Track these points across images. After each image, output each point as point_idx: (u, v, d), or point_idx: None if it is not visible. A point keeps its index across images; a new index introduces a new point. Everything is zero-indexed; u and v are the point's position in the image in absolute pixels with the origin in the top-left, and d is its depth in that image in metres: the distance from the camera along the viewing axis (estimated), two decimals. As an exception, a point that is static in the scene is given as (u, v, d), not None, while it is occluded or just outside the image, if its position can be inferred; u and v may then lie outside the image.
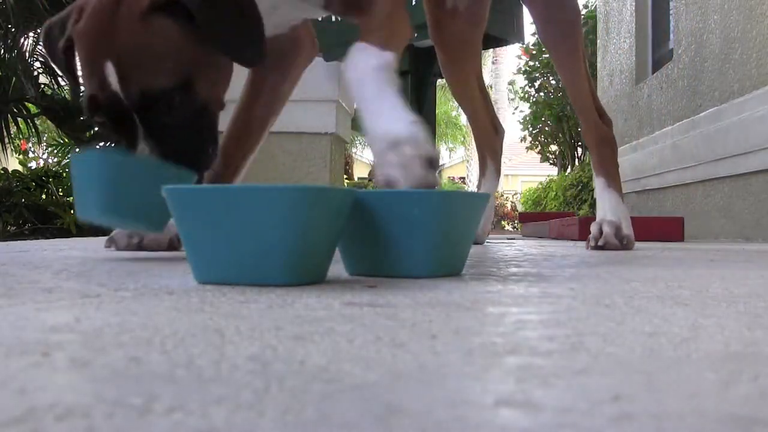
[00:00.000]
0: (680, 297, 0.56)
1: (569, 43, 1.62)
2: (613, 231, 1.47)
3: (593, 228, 1.50)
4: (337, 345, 0.34)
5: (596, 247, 1.45)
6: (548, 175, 9.43)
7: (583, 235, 2.08)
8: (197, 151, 0.99)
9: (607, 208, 1.53)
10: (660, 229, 2.29)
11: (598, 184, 1.59)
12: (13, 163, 6.21)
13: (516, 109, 10.21)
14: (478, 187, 1.90)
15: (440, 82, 2.98)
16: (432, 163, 0.82)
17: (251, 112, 1.43)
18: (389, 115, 0.90)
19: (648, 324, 0.42)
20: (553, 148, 8.64)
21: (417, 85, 2.72)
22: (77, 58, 1.00)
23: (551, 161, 8.99)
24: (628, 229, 1.49)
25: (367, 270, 0.73)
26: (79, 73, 1.02)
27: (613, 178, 1.57)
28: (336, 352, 0.32)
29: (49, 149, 6.47)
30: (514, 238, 3.12)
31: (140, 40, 0.93)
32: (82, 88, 1.02)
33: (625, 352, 0.33)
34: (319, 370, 0.29)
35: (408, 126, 0.86)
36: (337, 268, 0.82)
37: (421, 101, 2.73)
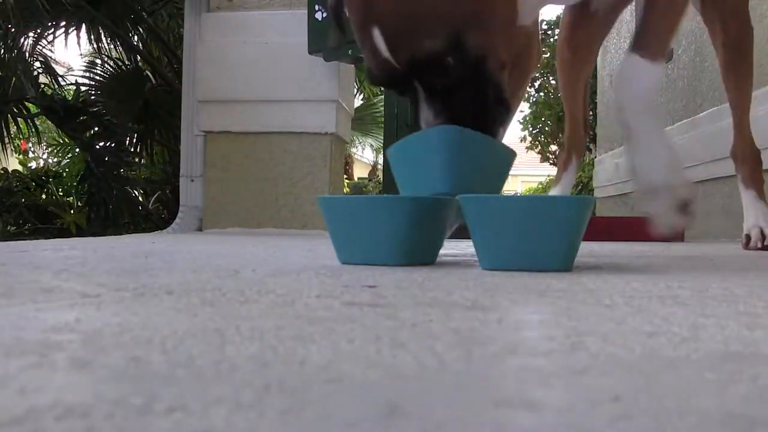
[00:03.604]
0: (680, 297, 0.56)
1: (745, 65, 1.68)
2: None
3: (754, 231, 1.63)
4: (337, 345, 0.34)
5: (763, 248, 1.57)
6: (548, 175, 9.42)
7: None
8: (484, 111, 0.94)
9: (761, 215, 1.64)
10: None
11: (749, 195, 1.69)
12: (13, 163, 6.21)
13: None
14: (557, 180, 1.97)
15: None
16: (686, 207, 0.94)
17: None
18: (650, 154, 0.98)
19: (648, 324, 0.42)
20: (553, 148, 8.64)
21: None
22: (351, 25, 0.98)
23: (551, 161, 8.98)
24: None
25: (501, 265, 0.82)
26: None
27: (761, 191, 1.69)
28: (336, 352, 0.32)
29: (49, 149, 6.46)
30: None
31: (400, 3, 0.90)
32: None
33: (625, 352, 0.33)
34: (319, 370, 0.29)
35: (665, 175, 0.95)
36: (338, 268, 0.82)
37: (421, 101, 2.72)
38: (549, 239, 0.81)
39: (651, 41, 1.06)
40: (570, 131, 2.01)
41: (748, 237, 1.61)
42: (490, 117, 0.94)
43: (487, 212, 0.83)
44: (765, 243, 1.57)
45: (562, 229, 0.82)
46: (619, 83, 1.04)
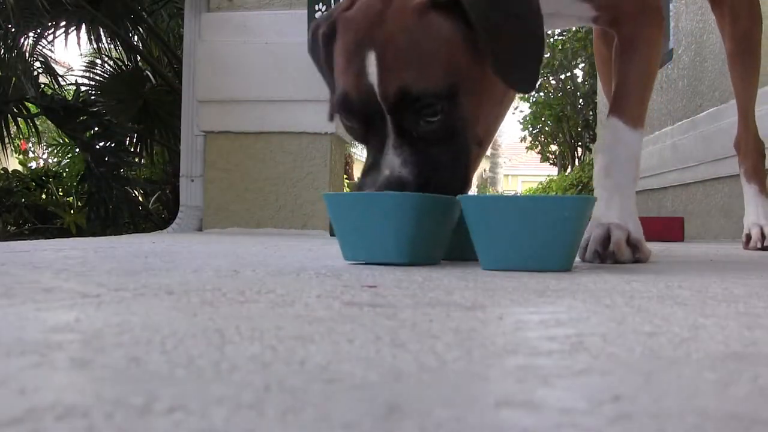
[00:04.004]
0: (680, 297, 0.56)
1: (752, 57, 1.67)
2: None
3: (754, 230, 1.61)
4: (337, 345, 0.34)
5: (763, 248, 1.55)
6: (548, 175, 9.43)
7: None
8: (451, 176, 0.88)
9: (761, 212, 1.63)
10: (660, 229, 2.29)
11: (751, 190, 1.68)
12: (13, 163, 6.21)
13: (516, 109, 10.21)
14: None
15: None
16: (636, 246, 0.96)
17: None
18: (615, 208, 0.99)
19: (648, 324, 0.42)
20: (553, 148, 8.64)
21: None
22: (337, 48, 0.92)
23: (551, 161, 8.99)
24: None
25: (502, 265, 0.82)
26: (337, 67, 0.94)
27: (764, 186, 1.67)
28: (336, 352, 0.32)
29: (49, 149, 6.47)
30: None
31: (411, 33, 0.85)
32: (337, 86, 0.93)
33: (625, 352, 0.33)
34: (319, 370, 0.28)
35: (621, 219, 0.97)
36: (338, 268, 0.82)
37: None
38: (549, 239, 0.81)
39: (632, 108, 1.05)
40: None
41: (749, 236, 1.61)
42: (453, 184, 0.89)
43: (488, 212, 0.83)
44: (765, 243, 1.57)
45: (562, 228, 0.81)
46: (603, 146, 1.05)
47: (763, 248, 1.56)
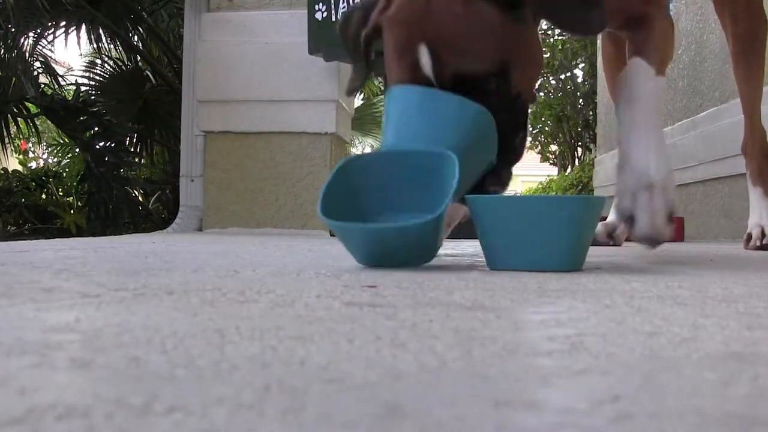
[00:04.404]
0: (680, 297, 0.56)
1: (756, 57, 1.66)
2: None
3: (755, 230, 1.60)
4: (337, 345, 0.34)
5: (760, 247, 1.54)
6: (548, 175, 9.42)
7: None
8: (509, 144, 0.94)
9: (764, 214, 1.62)
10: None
11: (756, 192, 1.67)
12: (13, 163, 6.21)
13: (516, 109, 10.18)
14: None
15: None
16: (670, 218, 0.93)
17: None
18: (649, 152, 0.97)
19: (648, 324, 0.42)
20: (553, 148, 8.64)
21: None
22: (385, 46, 0.97)
23: (551, 161, 8.98)
24: None
25: (509, 266, 0.82)
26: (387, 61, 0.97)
27: None
28: (336, 352, 0.32)
29: (49, 149, 6.47)
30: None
31: (459, 20, 0.90)
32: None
33: (625, 352, 0.33)
34: (319, 370, 0.28)
35: (665, 174, 0.95)
36: (338, 268, 0.82)
37: (421, 101, 2.72)
38: (557, 239, 0.81)
39: (653, 53, 1.06)
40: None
41: (750, 235, 1.60)
42: (513, 151, 0.94)
43: (495, 213, 0.83)
44: (764, 241, 1.56)
45: (570, 229, 0.81)
46: (623, 80, 1.04)
47: (762, 247, 1.55)
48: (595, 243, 1.82)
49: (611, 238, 1.84)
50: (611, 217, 1.90)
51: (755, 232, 1.59)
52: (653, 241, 0.92)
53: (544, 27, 8.07)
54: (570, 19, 0.94)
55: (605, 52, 1.92)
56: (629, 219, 0.94)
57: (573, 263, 0.83)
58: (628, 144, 0.98)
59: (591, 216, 0.84)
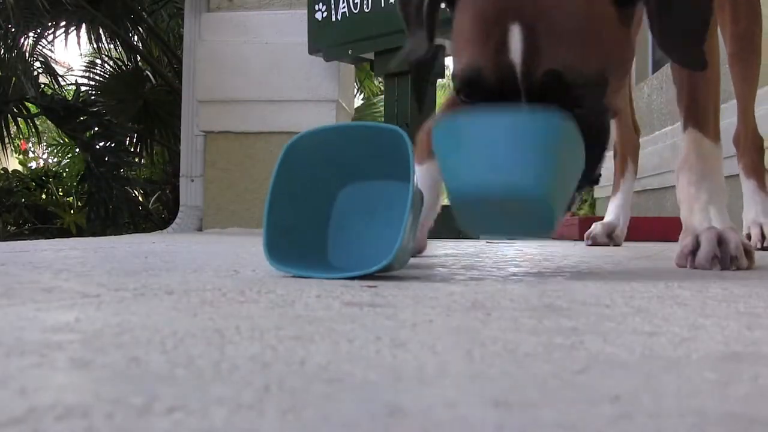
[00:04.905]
0: (680, 297, 0.56)
1: (753, 56, 1.65)
2: None
3: (754, 230, 1.59)
4: (337, 345, 0.34)
5: (762, 248, 1.53)
6: (548, 175, 9.41)
7: (583, 235, 2.08)
8: (588, 166, 0.78)
9: (760, 210, 1.61)
10: (660, 229, 2.29)
11: (749, 185, 1.66)
12: (13, 163, 6.21)
13: (516, 109, 10.19)
14: (615, 187, 1.93)
15: (440, 82, 2.97)
16: (750, 252, 0.92)
17: None
18: (716, 219, 0.96)
19: (648, 324, 0.42)
20: (553, 148, 8.63)
21: (417, 85, 2.72)
22: (467, 14, 0.78)
23: (551, 161, 8.97)
24: None
25: (471, 194, 0.73)
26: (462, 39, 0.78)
27: (763, 182, 1.65)
28: (336, 352, 0.32)
29: (49, 149, 6.47)
30: (513, 239, 3.11)
31: (566, 7, 0.73)
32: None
33: (625, 352, 0.33)
34: (319, 370, 0.28)
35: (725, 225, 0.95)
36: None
37: (421, 101, 2.72)
38: (523, 162, 0.70)
39: (709, 120, 1.03)
40: (620, 134, 1.96)
41: (749, 236, 1.59)
42: (590, 176, 0.80)
43: (455, 137, 0.73)
44: (765, 244, 1.55)
45: (535, 151, 0.70)
46: (687, 163, 1.03)
47: (763, 248, 1.54)
48: (595, 243, 1.82)
49: (611, 239, 1.84)
50: (609, 216, 1.90)
51: (755, 233, 1.58)
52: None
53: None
54: (676, 45, 0.79)
55: None
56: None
57: (543, 197, 0.71)
58: (695, 216, 0.97)
59: (563, 136, 0.71)
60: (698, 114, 1.04)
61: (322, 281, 0.66)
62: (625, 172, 1.93)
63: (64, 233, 4.56)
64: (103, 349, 0.33)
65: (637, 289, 0.61)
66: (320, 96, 2.78)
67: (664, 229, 2.37)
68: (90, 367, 0.29)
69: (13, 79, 4.50)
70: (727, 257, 0.89)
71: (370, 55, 2.76)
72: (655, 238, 2.18)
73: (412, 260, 0.96)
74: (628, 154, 1.95)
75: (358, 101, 6.72)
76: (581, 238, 1.99)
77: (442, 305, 0.49)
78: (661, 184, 3.87)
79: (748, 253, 0.91)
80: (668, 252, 1.45)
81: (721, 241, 0.91)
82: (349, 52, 2.74)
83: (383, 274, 0.72)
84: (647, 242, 2.06)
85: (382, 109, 4.46)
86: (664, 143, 3.73)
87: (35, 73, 4.97)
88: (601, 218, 1.95)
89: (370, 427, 0.21)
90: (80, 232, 4.49)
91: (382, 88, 3.74)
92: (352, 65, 3.06)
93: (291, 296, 0.53)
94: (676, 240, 1.00)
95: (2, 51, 4.55)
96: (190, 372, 0.28)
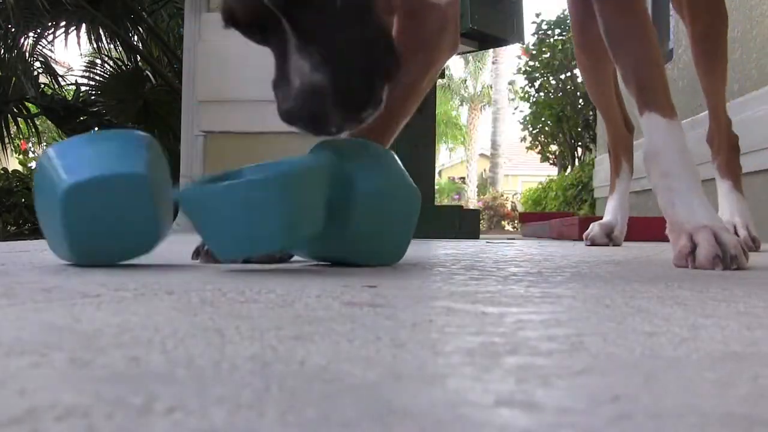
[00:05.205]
0: (680, 297, 0.56)
1: (717, 52, 1.63)
2: (747, 232, 1.52)
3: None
4: (337, 345, 0.34)
5: None
6: (548, 175, 9.43)
7: (582, 234, 2.08)
8: (372, 60, 0.74)
9: (735, 209, 1.58)
10: (660, 229, 2.30)
11: (724, 185, 1.64)
12: (13, 163, 6.21)
13: (516, 109, 10.22)
14: (611, 187, 1.92)
15: (440, 82, 2.97)
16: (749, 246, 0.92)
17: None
18: (700, 210, 0.95)
19: (648, 324, 0.42)
20: (553, 148, 8.64)
21: (417, 85, 2.71)
22: None
23: (551, 161, 8.99)
24: (755, 231, 1.55)
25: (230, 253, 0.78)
26: None
27: (738, 181, 1.63)
28: (336, 352, 0.32)
29: (49, 149, 6.46)
30: (514, 238, 3.11)
31: None
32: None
33: (625, 352, 0.33)
34: (319, 370, 0.28)
35: (713, 220, 0.94)
36: (337, 268, 0.82)
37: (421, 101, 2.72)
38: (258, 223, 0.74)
39: (663, 98, 1.02)
40: (610, 134, 1.95)
41: None
42: (378, 68, 0.75)
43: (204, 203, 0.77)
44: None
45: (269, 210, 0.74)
46: (652, 149, 1.01)
47: None
48: (594, 243, 1.81)
49: (610, 239, 1.83)
50: (607, 216, 1.89)
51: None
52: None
53: (544, 27, 8.06)
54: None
55: (580, 62, 1.90)
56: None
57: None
58: (680, 210, 0.97)
59: (291, 193, 0.74)
60: (652, 94, 1.02)
61: (323, 281, 0.66)
62: (620, 171, 1.92)
63: (64, 233, 4.55)
64: (103, 349, 0.33)
65: (637, 289, 0.61)
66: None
67: (664, 228, 2.37)
68: (90, 367, 0.29)
69: (13, 79, 4.50)
70: (728, 257, 0.89)
71: (370, 55, 2.75)
72: (654, 237, 2.18)
73: (412, 260, 0.96)
74: (621, 153, 1.92)
75: (358, 101, 6.68)
76: (581, 238, 1.99)
77: (442, 305, 0.49)
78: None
79: (744, 251, 0.91)
80: (668, 252, 1.44)
81: (718, 240, 0.90)
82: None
83: (384, 275, 0.72)
84: (646, 242, 2.06)
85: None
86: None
87: (35, 73, 4.97)
88: (601, 218, 1.94)
89: (370, 427, 0.21)
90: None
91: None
92: (352, 65, 3.05)
93: (291, 296, 0.53)
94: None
95: (2, 51, 4.55)
96: (190, 372, 0.28)
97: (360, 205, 0.80)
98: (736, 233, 1.52)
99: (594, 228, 1.86)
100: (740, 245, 0.91)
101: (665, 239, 1.90)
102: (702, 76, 1.67)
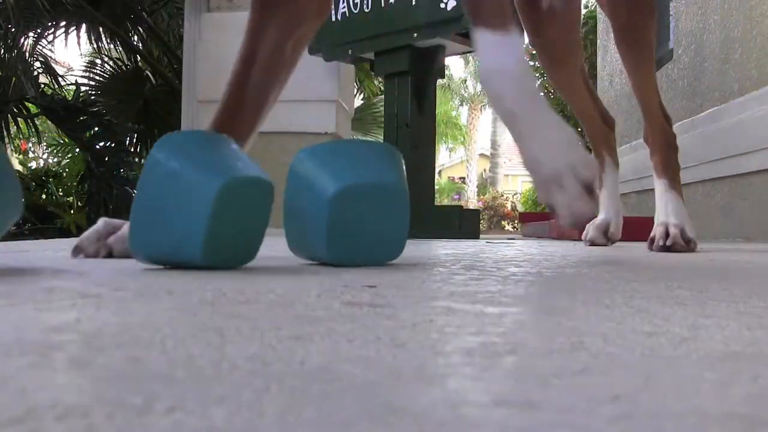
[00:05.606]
0: (680, 297, 0.56)
1: (643, 48, 1.60)
2: (679, 232, 1.48)
3: (658, 229, 1.50)
4: (337, 345, 0.34)
5: (663, 248, 1.45)
6: (548, 175, 9.40)
7: (582, 235, 2.07)
8: None
9: (670, 210, 1.53)
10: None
11: (660, 186, 1.59)
12: (13, 163, 6.20)
13: (516, 109, 10.18)
14: (600, 183, 1.89)
15: (440, 82, 2.97)
16: (591, 189, 0.86)
17: (247, 75, 1.05)
18: (545, 137, 0.87)
19: (648, 324, 0.42)
20: (553, 148, 8.63)
21: (417, 85, 2.72)
22: None
23: (551, 161, 8.97)
24: (692, 232, 1.50)
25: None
26: None
27: (675, 180, 1.59)
28: (336, 352, 0.32)
29: (49, 149, 6.47)
30: (514, 238, 3.11)
31: None
32: None
33: (625, 352, 0.33)
34: (319, 370, 0.28)
35: (567, 156, 0.86)
36: (337, 268, 0.82)
37: (421, 101, 2.72)
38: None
39: (491, 9, 0.90)
40: (588, 131, 1.92)
41: (653, 238, 1.50)
42: None
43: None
44: (668, 242, 1.46)
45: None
46: (484, 70, 0.90)
47: (665, 248, 1.45)
48: (594, 244, 1.80)
49: (607, 237, 1.82)
50: (601, 215, 1.87)
51: (659, 231, 1.49)
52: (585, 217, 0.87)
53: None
54: None
55: (541, 63, 1.86)
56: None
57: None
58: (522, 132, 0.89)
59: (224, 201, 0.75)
60: (480, 5, 0.91)
61: (322, 281, 0.66)
62: (604, 166, 1.89)
63: (64, 233, 4.56)
64: (103, 349, 0.33)
65: (637, 289, 0.61)
66: (320, 96, 2.78)
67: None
68: (90, 367, 0.29)
69: (13, 79, 4.50)
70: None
71: (370, 55, 2.76)
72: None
73: (412, 260, 0.96)
74: (602, 149, 1.90)
75: (358, 101, 6.71)
76: (581, 238, 1.99)
77: (442, 305, 0.49)
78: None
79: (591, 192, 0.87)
80: (667, 252, 1.44)
81: (575, 175, 0.86)
82: (349, 52, 2.74)
83: (383, 275, 0.72)
84: (646, 242, 2.06)
85: (381, 109, 4.46)
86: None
87: (35, 73, 4.97)
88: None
89: (370, 427, 0.21)
90: (80, 232, 4.49)
91: (382, 88, 3.74)
92: (352, 65, 3.06)
93: (291, 296, 0.53)
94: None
95: (2, 51, 4.55)
96: (190, 372, 0.28)
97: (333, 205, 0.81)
98: (666, 232, 1.48)
99: (590, 230, 1.84)
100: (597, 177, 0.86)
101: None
102: (629, 73, 1.64)
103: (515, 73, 0.89)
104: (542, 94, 0.92)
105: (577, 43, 1.86)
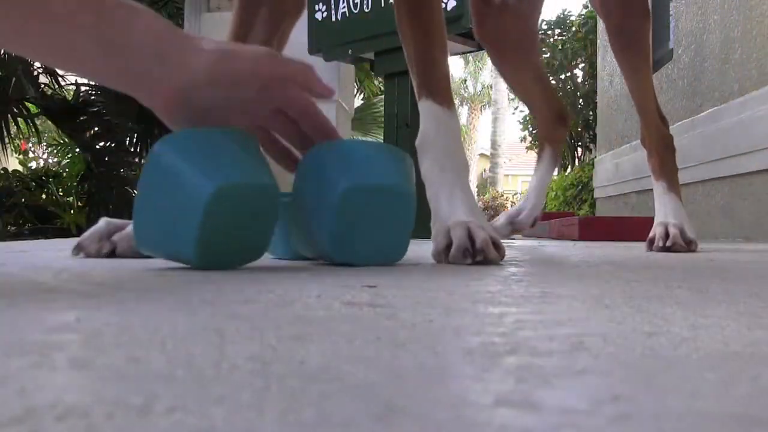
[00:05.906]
0: (680, 297, 0.56)
1: (638, 48, 1.60)
2: (679, 232, 1.48)
3: (658, 229, 1.51)
4: (337, 345, 0.34)
5: (663, 249, 1.46)
6: (548, 175, 9.41)
7: (583, 235, 2.08)
8: None
9: (669, 211, 1.54)
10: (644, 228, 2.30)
11: (659, 187, 1.60)
12: (13, 163, 6.21)
13: (516, 109, 10.22)
14: (535, 171, 1.91)
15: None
16: (498, 245, 0.92)
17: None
18: (460, 205, 0.96)
19: (648, 324, 0.42)
20: (553, 148, 8.63)
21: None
22: None
23: (551, 161, 8.98)
24: (691, 233, 1.50)
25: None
26: None
27: (673, 182, 1.59)
28: (336, 352, 0.32)
29: (49, 149, 6.47)
30: (514, 238, 3.11)
31: None
32: None
33: (625, 352, 0.33)
34: (319, 370, 0.28)
35: (474, 217, 0.94)
36: (338, 268, 0.82)
37: (421, 101, 2.72)
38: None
39: (442, 87, 1.00)
40: (538, 124, 1.94)
41: (652, 239, 1.51)
42: None
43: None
44: (667, 243, 1.46)
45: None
46: (421, 136, 1.00)
47: (665, 249, 1.45)
48: (496, 229, 1.79)
49: (512, 225, 1.83)
50: (520, 204, 1.89)
51: (658, 231, 1.50)
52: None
53: (544, 27, 8.06)
54: None
55: (489, 56, 1.86)
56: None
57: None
58: (442, 203, 0.98)
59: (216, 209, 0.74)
60: (432, 81, 1.01)
61: (323, 281, 0.66)
62: (541, 155, 1.90)
63: (64, 233, 4.56)
64: (103, 349, 0.33)
65: (637, 289, 0.61)
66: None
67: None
68: (90, 367, 0.29)
69: (13, 79, 4.50)
70: (475, 250, 0.90)
71: (370, 55, 2.76)
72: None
73: (412, 260, 0.96)
74: (544, 140, 1.90)
75: (358, 101, 6.71)
76: (581, 238, 1.99)
77: (442, 305, 0.49)
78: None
79: (496, 245, 0.92)
80: (667, 252, 1.44)
81: (470, 235, 0.91)
82: (349, 52, 2.74)
83: (383, 275, 0.72)
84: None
85: (381, 109, 4.45)
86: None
87: (35, 73, 4.97)
88: (602, 218, 1.94)
89: (370, 427, 0.21)
90: (80, 232, 4.49)
91: (382, 88, 3.74)
92: (352, 65, 3.06)
93: (291, 296, 0.53)
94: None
95: (2, 51, 4.55)
96: (190, 372, 0.28)
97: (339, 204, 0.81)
98: (666, 232, 1.48)
99: (500, 218, 1.86)
100: (489, 240, 0.91)
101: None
102: (624, 75, 1.64)
103: (450, 149, 0.99)
104: (467, 170, 1.02)
105: (531, 39, 1.86)
